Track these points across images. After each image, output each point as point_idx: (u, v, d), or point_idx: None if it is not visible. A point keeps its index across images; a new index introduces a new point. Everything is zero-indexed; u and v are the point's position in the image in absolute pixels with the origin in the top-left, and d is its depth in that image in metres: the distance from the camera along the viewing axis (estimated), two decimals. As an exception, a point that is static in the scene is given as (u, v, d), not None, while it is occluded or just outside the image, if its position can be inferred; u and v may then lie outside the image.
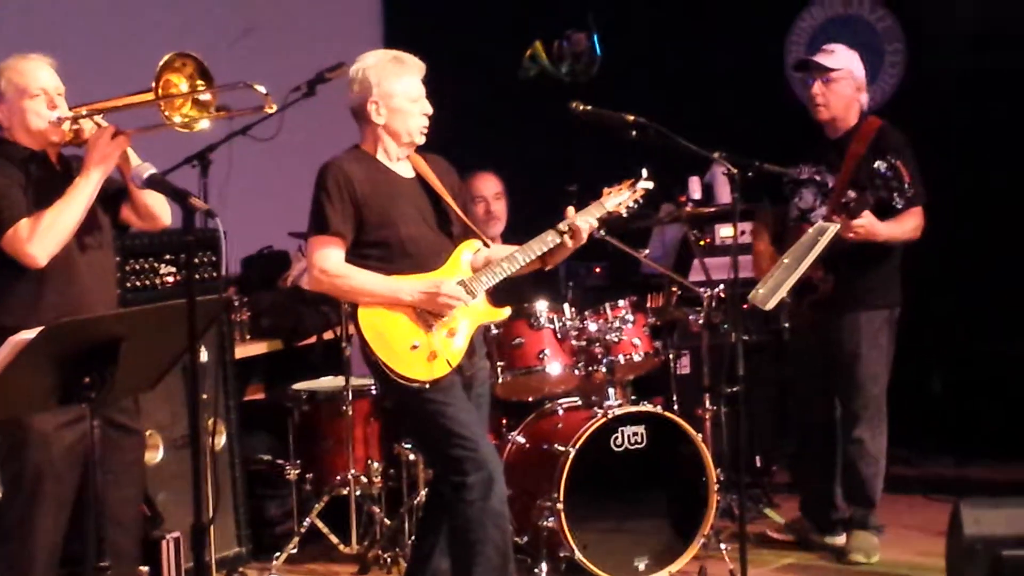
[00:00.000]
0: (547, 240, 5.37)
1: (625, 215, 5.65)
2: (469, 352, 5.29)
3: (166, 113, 4.87)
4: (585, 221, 5.38)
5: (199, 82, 4.90)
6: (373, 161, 5.31)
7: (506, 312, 5.46)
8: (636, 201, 5.62)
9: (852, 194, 6.22)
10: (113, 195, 5.12)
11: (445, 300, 5.18)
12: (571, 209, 5.42)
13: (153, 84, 4.82)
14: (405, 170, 5.37)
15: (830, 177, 6.37)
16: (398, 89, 5.24)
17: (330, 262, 5.20)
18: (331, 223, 5.18)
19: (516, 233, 5.98)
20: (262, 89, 5.02)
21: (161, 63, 4.84)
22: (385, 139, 5.31)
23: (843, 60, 6.39)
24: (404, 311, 5.19)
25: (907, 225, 6.28)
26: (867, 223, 6.14)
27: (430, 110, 5.31)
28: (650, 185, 5.63)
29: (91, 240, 5.04)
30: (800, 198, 6.44)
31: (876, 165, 6.06)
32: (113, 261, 5.25)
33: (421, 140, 5.34)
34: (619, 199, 5.58)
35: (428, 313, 5.20)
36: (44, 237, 4.84)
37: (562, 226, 5.37)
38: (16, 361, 3.93)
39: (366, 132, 5.33)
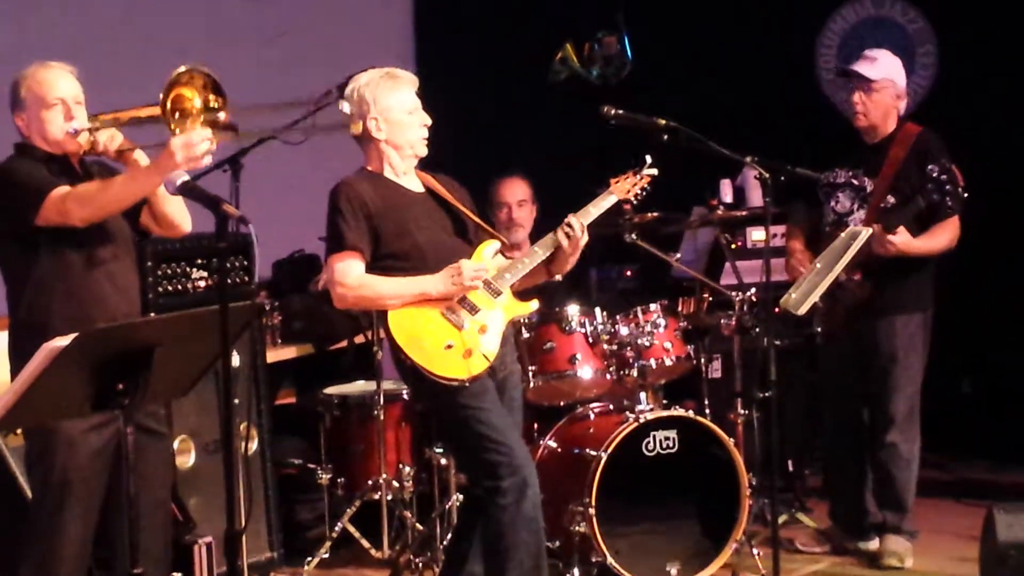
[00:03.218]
0: (555, 238, 5.40)
1: (635, 202, 5.73)
2: (502, 349, 5.30)
3: (177, 130, 4.83)
4: (579, 220, 5.41)
5: (212, 96, 4.87)
6: (381, 178, 5.36)
7: (534, 304, 5.47)
8: (643, 188, 5.69)
9: (892, 199, 6.21)
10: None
11: (468, 275, 5.19)
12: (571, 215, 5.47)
13: (162, 98, 4.80)
14: (414, 184, 5.43)
15: (868, 181, 6.34)
16: (395, 103, 5.32)
17: (350, 276, 5.22)
18: (347, 239, 5.22)
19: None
20: (347, 109, 5.12)
21: (170, 79, 4.80)
22: (389, 154, 5.36)
23: (885, 69, 6.36)
24: (433, 312, 5.21)
25: (942, 238, 6.26)
26: (901, 240, 6.13)
27: (428, 121, 5.37)
28: (655, 171, 5.69)
29: (111, 248, 5.05)
30: (837, 202, 6.42)
31: (929, 168, 6.06)
32: (135, 268, 5.23)
33: (424, 151, 5.40)
34: (625, 187, 5.65)
35: (457, 310, 5.22)
36: (87, 203, 4.84)
37: (563, 227, 5.42)
38: (50, 368, 3.94)
39: (370, 151, 5.39)
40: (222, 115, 4.86)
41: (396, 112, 5.32)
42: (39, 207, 4.85)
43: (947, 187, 6.02)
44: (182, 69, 4.78)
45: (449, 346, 5.18)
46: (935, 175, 6.05)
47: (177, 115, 4.80)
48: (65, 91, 5.01)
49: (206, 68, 4.83)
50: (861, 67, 6.38)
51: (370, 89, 5.32)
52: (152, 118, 4.92)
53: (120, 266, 5.08)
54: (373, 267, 5.25)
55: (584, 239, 5.41)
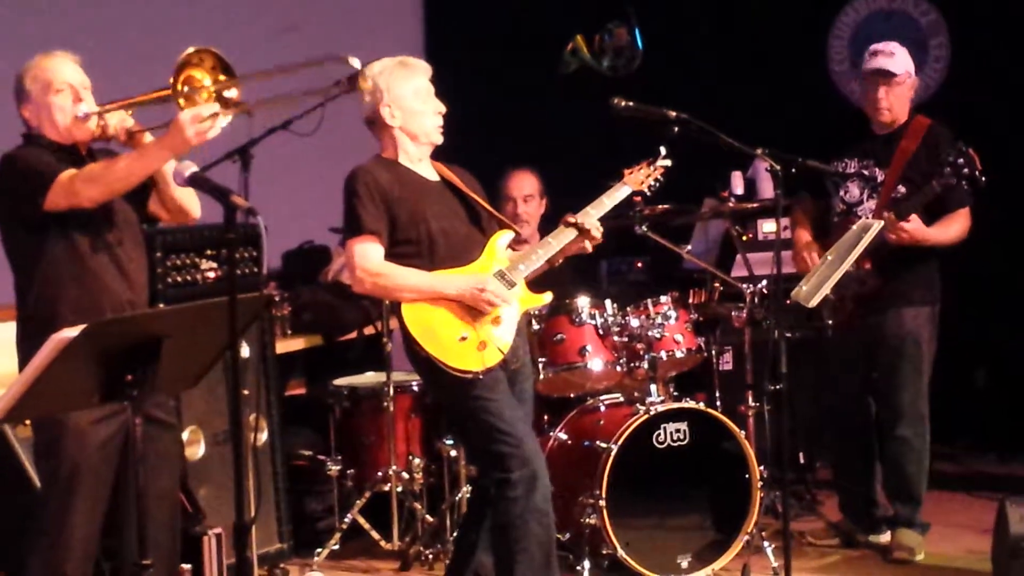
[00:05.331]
0: (568, 229, 5.42)
1: (648, 193, 5.76)
2: (515, 340, 5.30)
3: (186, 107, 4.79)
4: (588, 215, 5.44)
5: (222, 76, 4.83)
6: (397, 165, 5.36)
7: (547, 297, 5.47)
8: (656, 179, 5.73)
9: (903, 189, 6.19)
10: (140, 188, 5.01)
11: (489, 298, 5.18)
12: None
13: (172, 80, 4.76)
14: (429, 173, 5.44)
15: (879, 171, 6.32)
16: (408, 91, 5.33)
17: (370, 261, 5.21)
18: (365, 223, 5.20)
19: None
20: (356, 63, 4.98)
21: (180, 60, 4.76)
22: (403, 141, 5.36)
23: (904, 62, 6.35)
24: (447, 304, 5.21)
25: (954, 228, 6.25)
26: (914, 227, 6.11)
27: (443, 108, 5.38)
28: (668, 163, 5.73)
29: (118, 235, 5.03)
30: (846, 192, 6.40)
31: (946, 153, 6.04)
32: (143, 256, 5.19)
33: (439, 139, 5.41)
34: (639, 178, 5.69)
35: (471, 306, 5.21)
36: (95, 181, 4.81)
37: (571, 219, 5.44)
38: (58, 359, 3.93)
39: (384, 139, 5.40)
40: (231, 92, 4.82)
41: (410, 100, 5.32)
42: (47, 190, 4.82)
43: (965, 170, 6.01)
44: (191, 50, 4.75)
45: (463, 338, 5.18)
46: (951, 159, 6.02)
47: (187, 91, 4.77)
48: (72, 77, 4.98)
49: (215, 48, 4.81)
50: (883, 62, 6.33)
51: (384, 77, 5.32)
52: (161, 99, 4.88)
53: (128, 254, 5.06)
54: (389, 253, 5.25)
55: (596, 235, 5.42)
